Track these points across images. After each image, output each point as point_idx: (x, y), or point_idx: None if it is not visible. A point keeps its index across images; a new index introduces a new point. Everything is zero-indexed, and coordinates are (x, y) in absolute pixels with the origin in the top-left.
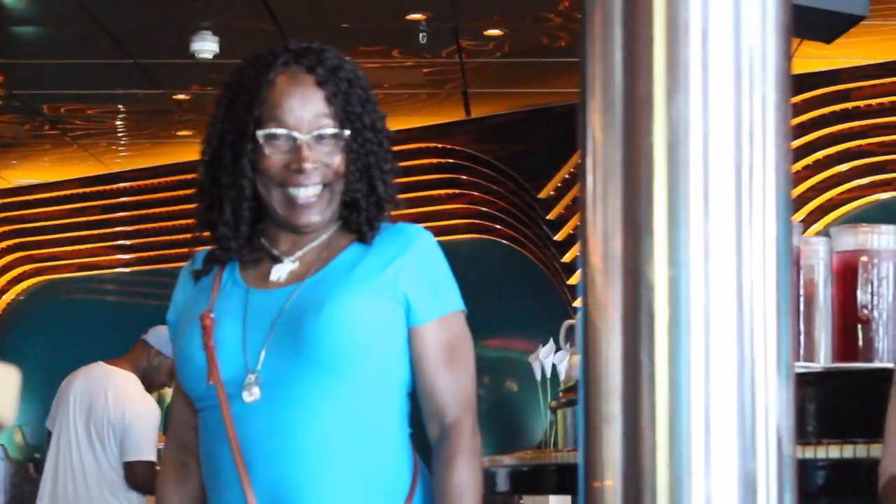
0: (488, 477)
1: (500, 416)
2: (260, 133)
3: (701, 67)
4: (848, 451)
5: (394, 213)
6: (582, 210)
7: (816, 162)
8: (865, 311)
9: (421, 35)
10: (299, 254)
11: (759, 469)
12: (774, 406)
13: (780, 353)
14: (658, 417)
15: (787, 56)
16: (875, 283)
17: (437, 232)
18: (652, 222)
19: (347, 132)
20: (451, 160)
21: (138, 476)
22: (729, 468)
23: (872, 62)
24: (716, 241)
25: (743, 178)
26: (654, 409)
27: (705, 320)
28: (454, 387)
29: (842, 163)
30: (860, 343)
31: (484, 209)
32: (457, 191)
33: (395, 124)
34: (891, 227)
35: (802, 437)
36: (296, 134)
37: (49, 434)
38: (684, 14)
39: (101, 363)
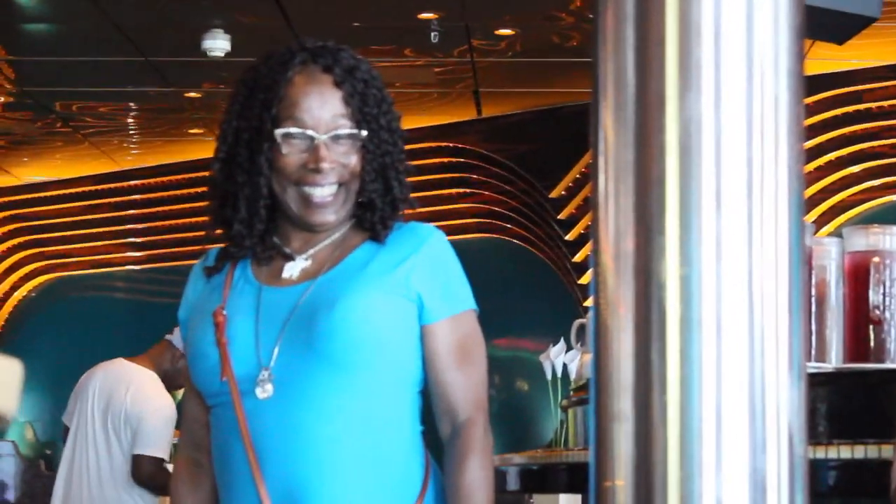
0: (499, 476)
1: (511, 415)
2: (278, 132)
3: (713, 67)
4: (859, 452)
5: (411, 211)
6: (594, 209)
7: (829, 163)
8: (877, 312)
9: (432, 34)
10: (312, 252)
11: (769, 469)
12: (786, 406)
13: (791, 352)
14: (669, 416)
15: (800, 57)
16: (887, 283)
17: (447, 231)
18: (664, 222)
19: (364, 132)
20: (462, 159)
21: (143, 471)
22: (740, 468)
23: (885, 63)
24: (727, 241)
25: (755, 177)
26: (665, 409)
27: (717, 319)
28: (466, 385)
29: (854, 164)
30: (872, 343)
31: (495, 208)
32: (468, 190)
33: (406, 123)
34: None
35: (813, 437)
36: (314, 133)
37: (66, 429)
38: (697, 14)
39: (121, 359)
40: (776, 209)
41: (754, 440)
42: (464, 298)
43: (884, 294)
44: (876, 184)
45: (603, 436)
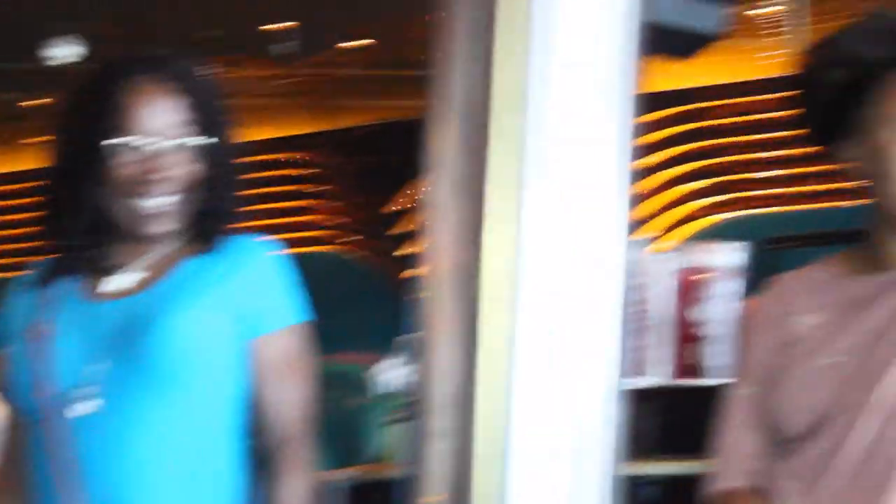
0: (322, 491)
1: (339, 431)
2: (112, 142)
3: (544, 85)
4: (685, 467)
5: (244, 223)
6: (424, 223)
7: (668, 180)
8: (705, 329)
9: (281, 45)
10: (141, 265)
11: (587, 484)
12: (605, 422)
13: (612, 368)
14: (488, 433)
15: (634, 74)
16: (715, 300)
17: (287, 244)
18: (493, 238)
19: (200, 142)
20: (306, 171)
21: None
22: (558, 484)
23: (725, 82)
24: (556, 259)
25: (583, 195)
26: (485, 425)
27: (541, 337)
28: (291, 400)
29: (692, 181)
30: (699, 359)
31: (336, 221)
32: (310, 202)
33: (251, 135)
34: (732, 245)
35: (640, 452)
36: (148, 143)
37: None
38: (530, 32)
39: None
40: (605, 226)
41: (572, 456)
42: (292, 312)
43: (712, 311)
44: (713, 200)
45: (422, 452)
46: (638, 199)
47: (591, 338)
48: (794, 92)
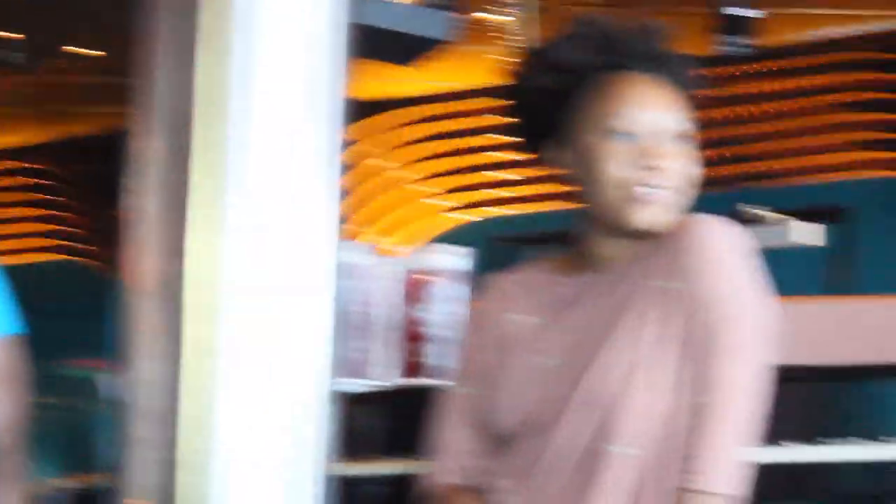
0: (42, 501)
1: (76, 438)
2: None
3: (246, 92)
4: (411, 466)
5: None
6: (128, 232)
7: (403, 184)
8: (430, 330)
9: (11, 54)
10: None
11: (298, 487)
12: (317, 425)
13: (323, 372)
14: (193, 442)
15: (343, 79)
16: (441, 302)
17: (18, 252)
18: (197, 247)
19: None
20: (38, 180)
21: None
22: (268, 488)
23: (462, 87)
24: (262, 267)
25: (290, 201)
26: (189, 434)
27: (246, 345)
28: (3, 411)
29: (427, 184)
30: (425, 360)
31: (70, 230)
32: (42, 211)
33: None
34: (456, 249)
35: (366, 452)
36: None
37: None
38: (230, 36)
39: None
40: (314, 231)
41: (283, 461)
42: (4, 324)
43: (439, 312)
44: (454, 203)
45: (128, 459)
46: (359, 203)
47: (301, 343)
48: (507, 100)
